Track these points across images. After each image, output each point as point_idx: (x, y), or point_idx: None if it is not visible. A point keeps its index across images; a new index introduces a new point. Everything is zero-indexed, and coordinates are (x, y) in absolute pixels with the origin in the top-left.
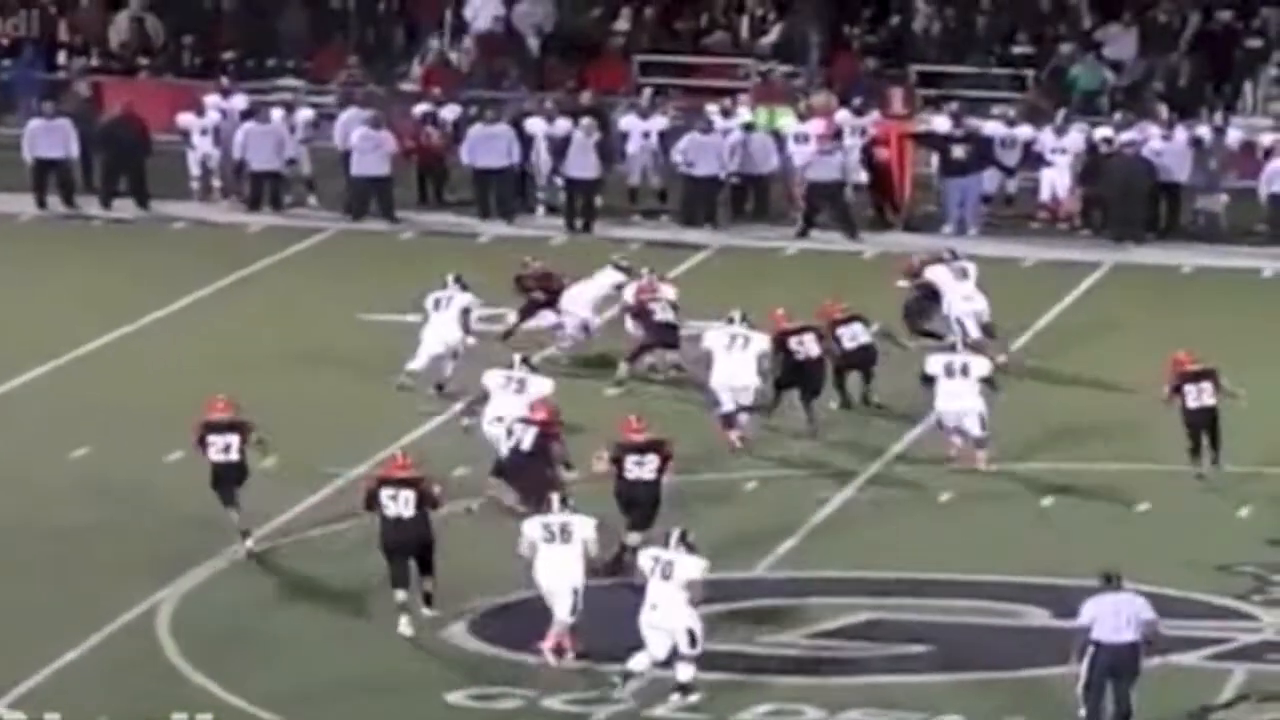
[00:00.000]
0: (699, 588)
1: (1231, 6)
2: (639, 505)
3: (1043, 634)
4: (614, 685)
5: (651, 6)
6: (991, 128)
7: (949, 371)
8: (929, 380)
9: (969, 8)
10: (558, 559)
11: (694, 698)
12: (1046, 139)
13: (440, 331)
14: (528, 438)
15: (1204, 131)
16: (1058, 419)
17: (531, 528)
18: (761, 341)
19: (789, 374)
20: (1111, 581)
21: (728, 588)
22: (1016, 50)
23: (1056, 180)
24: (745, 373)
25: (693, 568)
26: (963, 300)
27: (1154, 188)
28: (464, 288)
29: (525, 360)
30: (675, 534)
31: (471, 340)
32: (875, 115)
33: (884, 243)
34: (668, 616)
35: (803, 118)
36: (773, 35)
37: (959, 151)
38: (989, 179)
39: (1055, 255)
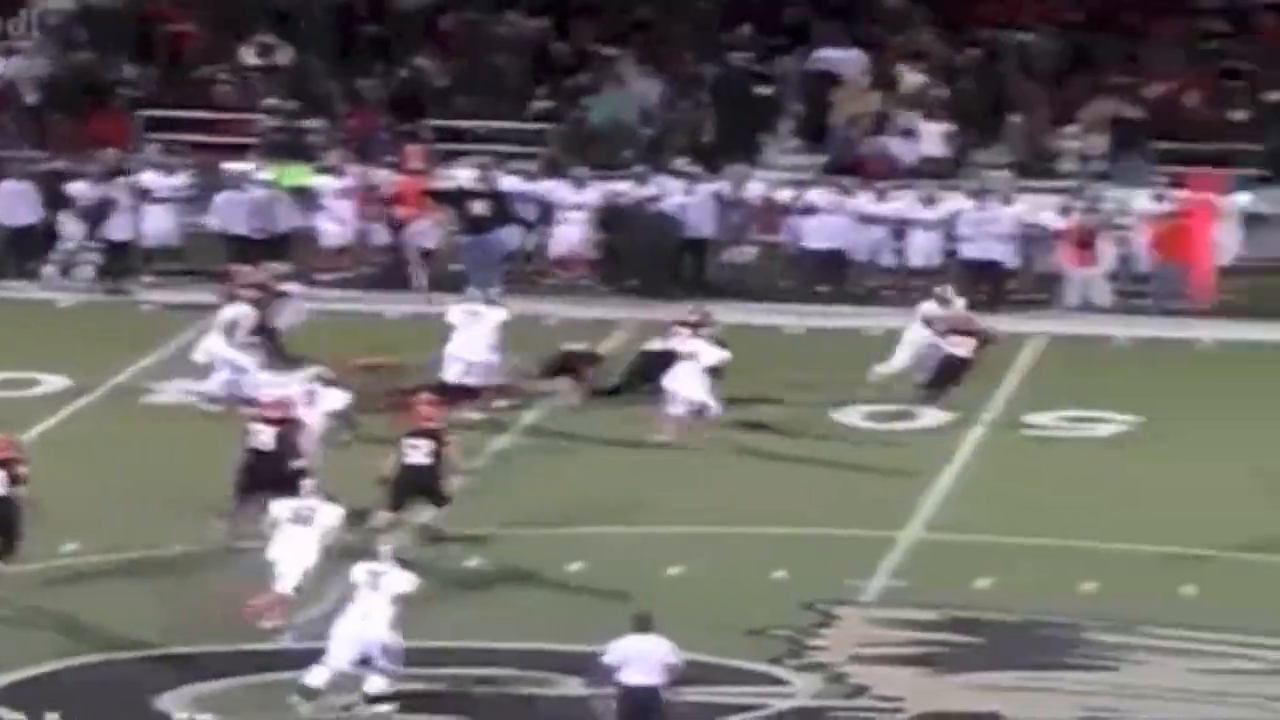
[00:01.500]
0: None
1: (748, 51)
2: (411, 488)
3: (576, 703)
4: (292, 705)
5: (158, 59)
6: (510, 182)
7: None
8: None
9: (483, 60)
10: (295, 538)
11: (386, 708)
12: (563, 193)
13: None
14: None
15: (725, 186)
16: (583, 482)
17: (279, 507)
18: (499, 314)
19: None
20: (642, 625)
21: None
22: (538, 104)
23: (572, 236)
24: (478, 347)
25: (403, 583)
26: (463, 345)
27: (678, 243)
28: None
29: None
30: (388, 549)
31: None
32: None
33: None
34: (369, 628)
35: (335, 173)
36: (284, 89)
37: (479, 207)
38: (511, 235)
39: (579, 313)
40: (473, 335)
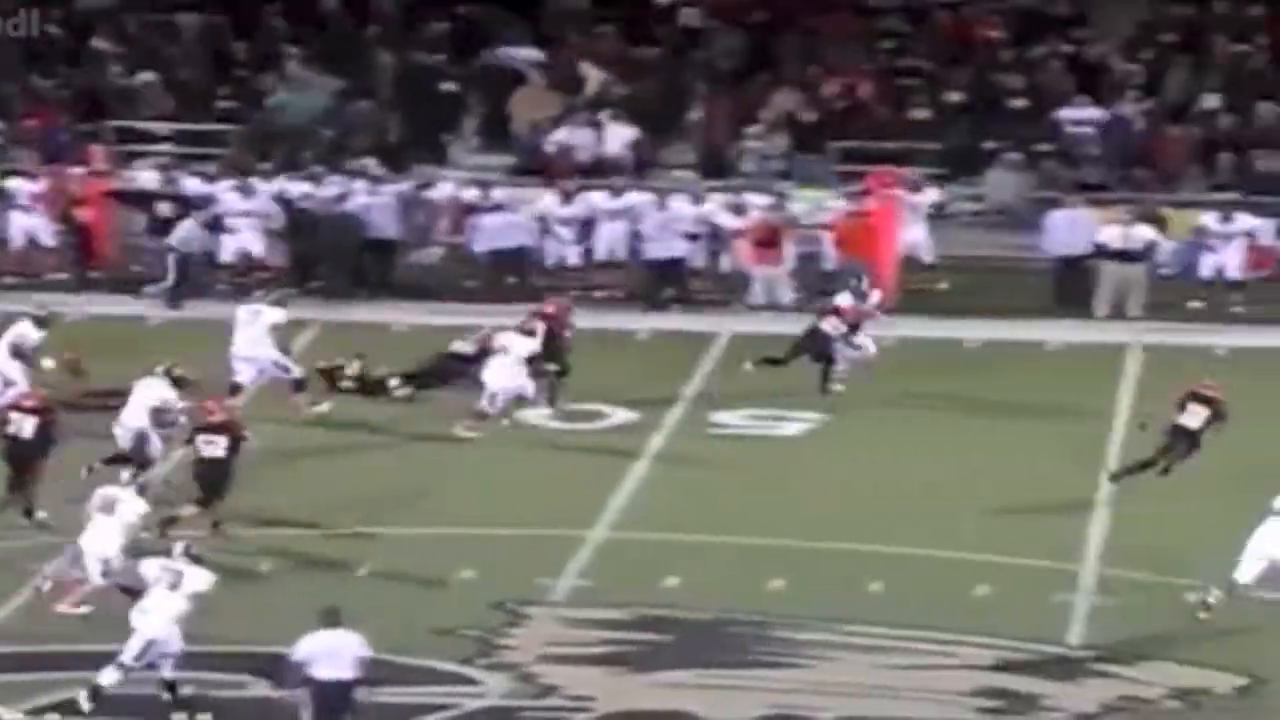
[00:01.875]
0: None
1: (433, 49)
2: (206, 481)
3: (263, 704)
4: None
5: None
6: (193, 185)
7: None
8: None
9: (161, 58)
10: (100, 526)
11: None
12: (231, 199)
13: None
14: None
15: (410, 186)
16: (294, 483)
17: (95, 497)
18: (276, 315)
19: None
20: (330, 619)
21: None
22: (221, 104)
23: (249, 240)
24: (257, 345)
25: (200, 581)
26: (246, 343)
27: (364, 244)
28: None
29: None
30: (180, 546)
31: None
32: (77, 171)
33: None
34: (149, 623)
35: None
36: None
37: (165, 209)
38: (192, 236)
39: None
40: (252, 334)
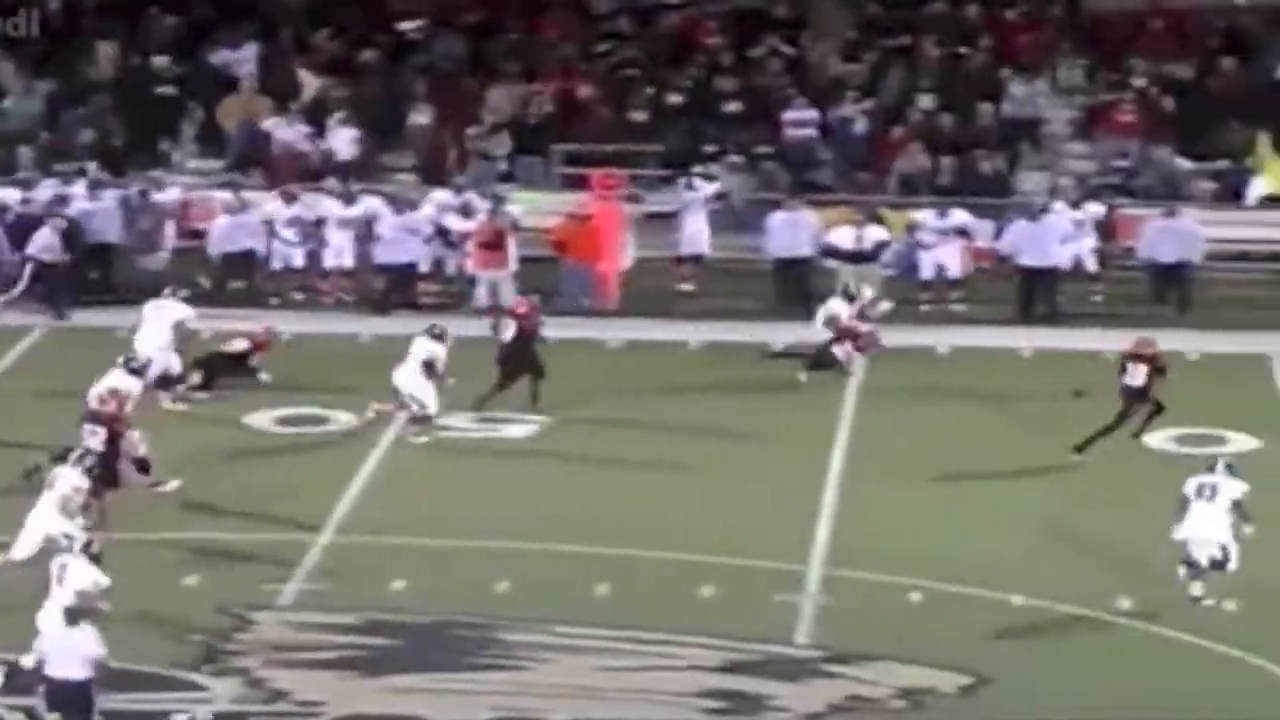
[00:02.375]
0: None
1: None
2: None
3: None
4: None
5: None
6: None
7: None
8: None
9: None
10: (41, 506)
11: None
12: None
13: None
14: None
15: (133, 191)
16: None
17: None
18: (179, 312)
19: None
20: (71, 617)
21: None
22: None
23: None
24: (158, 340)
25: (84, 578)
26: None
27: (84, 249)
28: None
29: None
30: (79, 542)
31: None
32: None
33: None
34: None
35: None
36: None
37: None
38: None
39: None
40: (155, 329)
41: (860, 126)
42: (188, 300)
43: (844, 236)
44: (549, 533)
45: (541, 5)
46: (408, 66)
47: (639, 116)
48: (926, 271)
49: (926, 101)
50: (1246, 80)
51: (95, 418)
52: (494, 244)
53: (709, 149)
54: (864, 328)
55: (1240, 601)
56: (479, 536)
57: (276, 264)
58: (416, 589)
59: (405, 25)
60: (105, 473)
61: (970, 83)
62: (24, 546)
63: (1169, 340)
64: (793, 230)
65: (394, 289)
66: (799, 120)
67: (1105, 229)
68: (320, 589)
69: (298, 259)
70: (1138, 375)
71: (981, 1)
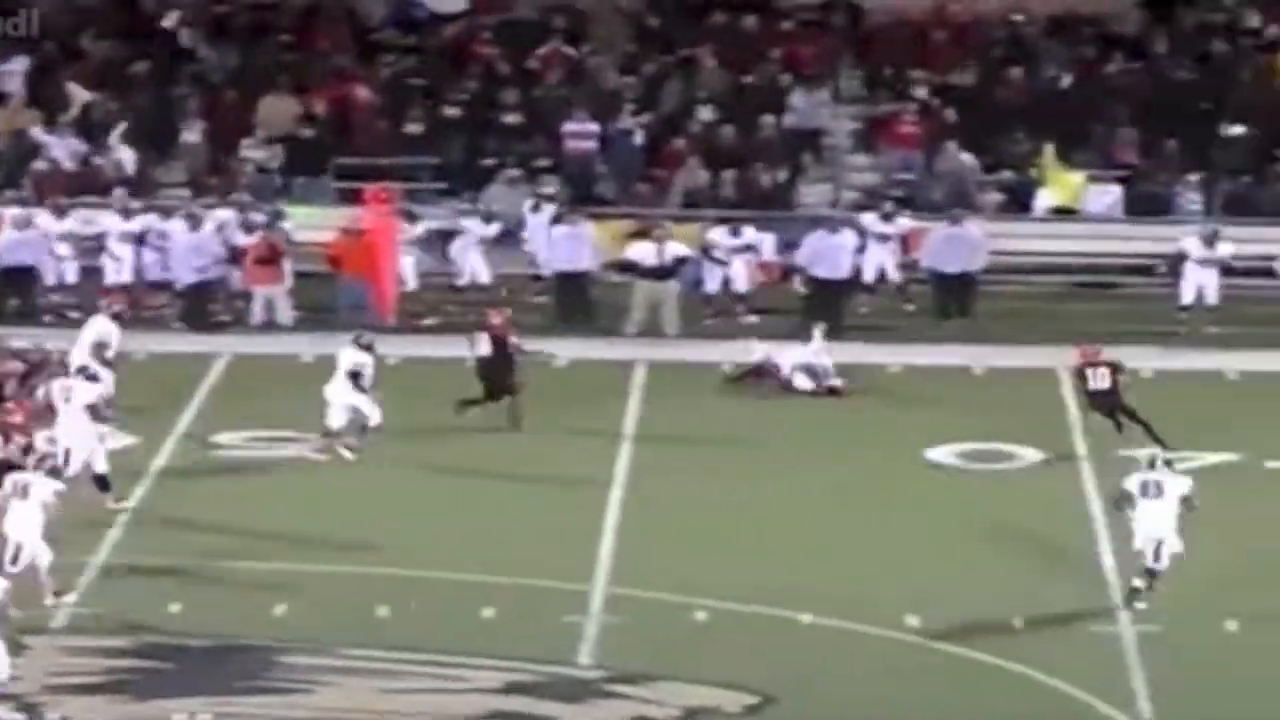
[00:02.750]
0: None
1: None
2: None
3: None
4: None
5: None
6: None
7: None
8: None
9: None
10: (17, 513)
11: None
12: None
13: None
14: None
15: None
16: None
17: (6, 484)
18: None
19: None
20: None
21: None
22: None
23: None
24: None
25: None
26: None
27: None
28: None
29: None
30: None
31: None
32: None
33: None
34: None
35: None
36: None
37: None
38: None
39: None
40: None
41: (639, 139)
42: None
43: (644, 252)
44: (329, 554)
45: (313, 15)
46: (178, 78)
47: (415, 129)
48: (712, 286)
49: (706, 113)
50: (1030, 90)
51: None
52: (269, 259)
53: (487, 162)
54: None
55: (1028, 619)
56: (256, 557)
57: (50, 279)
58: (193, 610)
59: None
60: None
61: (751, 94)
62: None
63: (954, 355)
64: (573, 244)
65: (192, 306)
66: (578, 132)
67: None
68: (94, 611)
69: (71, 275)
70: (1100, 379)
71: (760, 12)
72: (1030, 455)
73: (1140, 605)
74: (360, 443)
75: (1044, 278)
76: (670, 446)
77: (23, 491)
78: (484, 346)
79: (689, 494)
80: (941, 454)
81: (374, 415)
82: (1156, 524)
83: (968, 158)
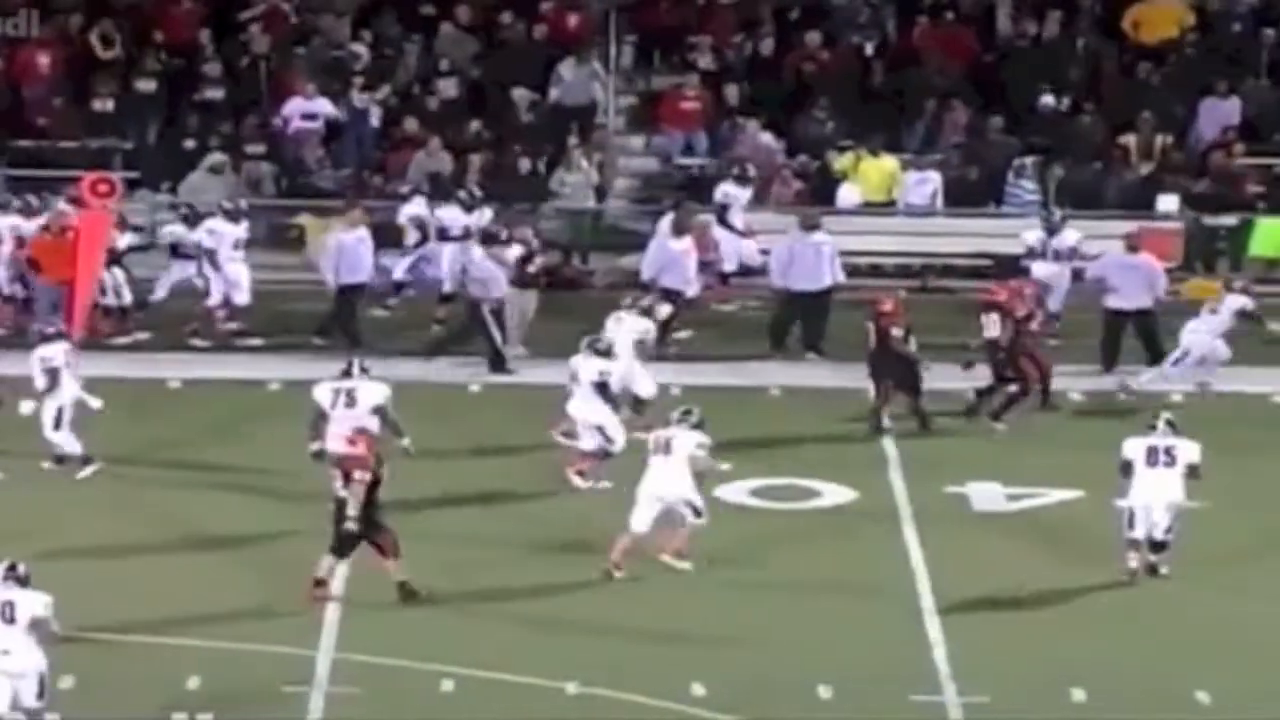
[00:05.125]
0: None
1: None
2: None
3: None
4: None
5: None
6: None
7: None
8: None
9: None
10: None
11: None
12: None
13: None
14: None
15: None
16: None
17: None
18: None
19: None
20: None
21: None
22: None
23: None
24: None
25: (36, 604)
26: None
27: None
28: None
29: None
30: (3, 566)
31: None
32: None
33: None
34: (16, 662)
35: None
36: None
37: None
38: None
39: None
40: None
41: (373, 119)
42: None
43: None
44: None
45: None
46: None
47: (102, 106)
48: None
49: (450, 88)
50: (835, 61)
51: None
52: None
53: (189, 144)
54: None
55: (838, 687)
56: None
57: None
58: None
59: None
60: None
61: (506, 65)
62: None
63: (760, 375)
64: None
65: None
66: (306, 113)
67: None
68: None
69: None
70: (991, 326)
71: None
72: (835, 492)
73: (1164, 571)
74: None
75: (853, 281)
76: (412, 481)
77: None
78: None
79: (429, 536)
80: (733, 492)
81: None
82: (1162, 493)
83: (769, 139)
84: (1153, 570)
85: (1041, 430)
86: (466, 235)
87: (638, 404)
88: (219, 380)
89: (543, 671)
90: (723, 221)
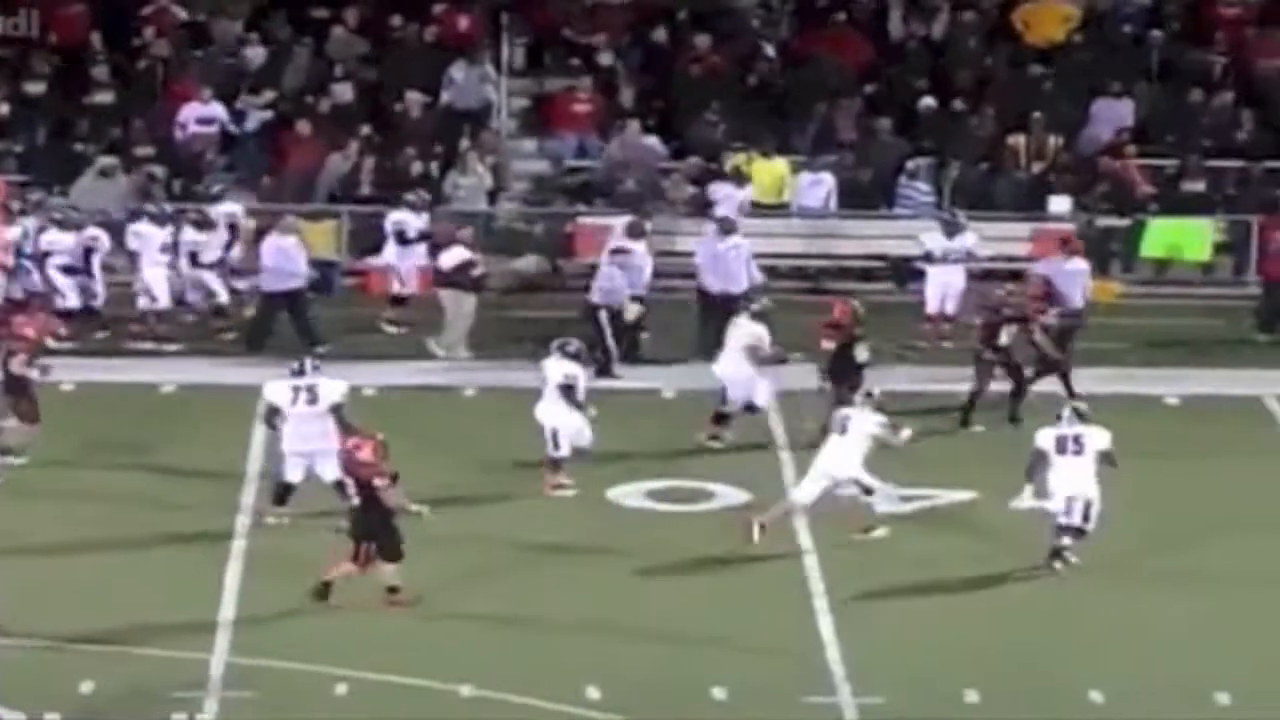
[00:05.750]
0: None
1: None
2: None
3: None
4: None
5: None
6: None
7: None
8: None
9: None
10: None
11: None
12: None
13: None
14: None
15: None
16: None
17: None
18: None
19: None
20: None
21: None
22: None
23: None
24: None
25: None
26: None
27: None
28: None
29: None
30: None
31: None
32: None
33: None
34: None
35: None
36: None
37: None
38: None
39: None
40: None
41: (258, 123)
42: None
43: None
44: None
45: None
46: None
47: None
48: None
49: (344, 91)
50: (724, 66)
51: None
52: None
53: (79, 148)
54: None
55: (732, 689)
56: None
57: None
58: None
59: None
60: None
61: (398, 68)
62: None
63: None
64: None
65: None
66: (193, 116)
67: (565, 242)
68: None
69: None
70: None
71: None
72: (730, 494)
73: (1073, 560)
74: None
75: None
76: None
77: None
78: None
79: (325, 543)
80: (625, 494)
81: None
82: (1079, 482)
83: (653, 141)
84: (1057, 554)
85: (939, 432)
86: (422, 239)
87: (750, 410)
88: (114, 384)
89: (437, 674)
90: None
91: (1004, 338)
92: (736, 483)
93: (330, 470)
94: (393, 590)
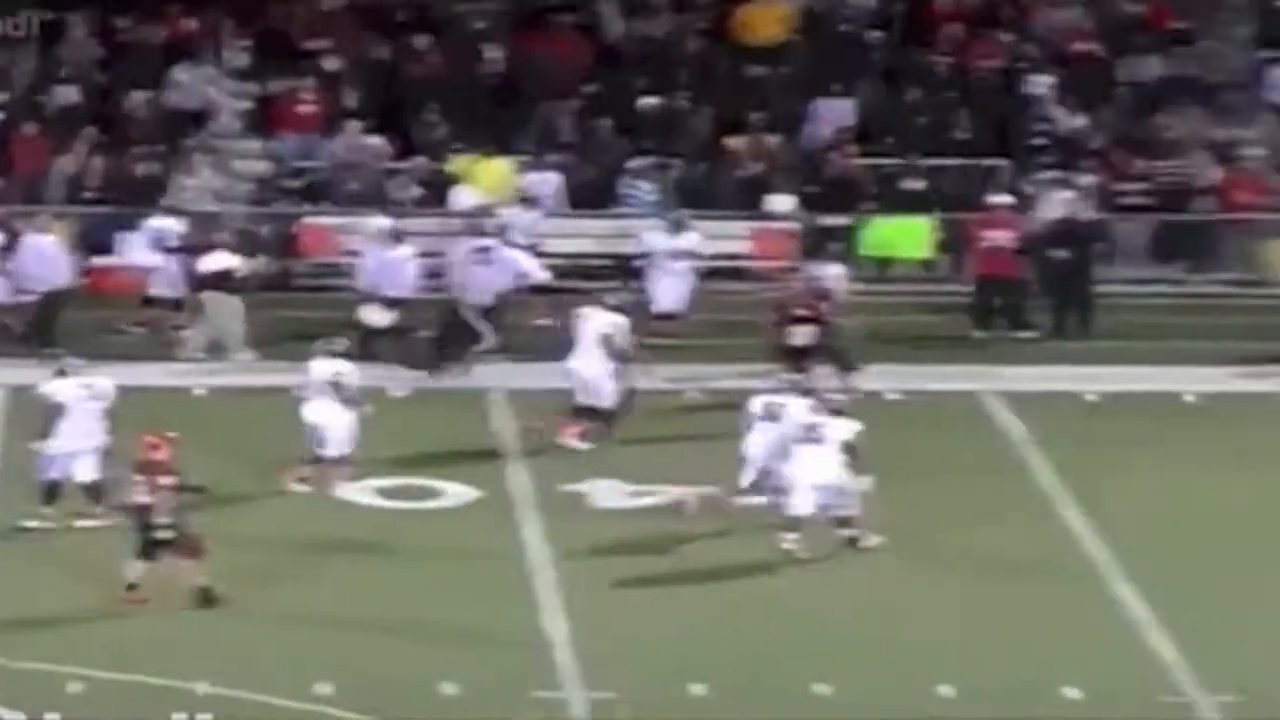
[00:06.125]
0: None
1: None
2: None
3: None
4: None
5: None
6: None
7: None
8: None
9: None
10: None
11: None
12: None
13: None
14: None
15: None
16: None
17: None
18: None
19: None
20: None
21: None
22: None
23: None
24: None
25: None
26: None
27: None
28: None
29: None
30: None
31: None
32: None
33: None
34: None
35: None
36: None
37: None
38: None
39: None
40: None
41: None
42: None
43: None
44: None
45: None
46: None
47: None
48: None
49: (70, 92)
50: (445, 67)
51: None
52: None
53: None
54: None
55: (464, 684)
56: None
57: None
58: None
59: None
60: None
61: (126, 69)
62: None
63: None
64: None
65: None
66: None
67: (288, 243)
68: None
69: None
70: (800, 336)
71: None
72: (460, 491)
73: (866, 543)
74: None
75: None
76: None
77: None
78: None
79: (58, 540)
80: (359, 491)
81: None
82: (818, 471)
83: (376, 142)
84: (852, 543)
85: (664, 429)
86: (184, 246)
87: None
88: None
89: (174, 672)
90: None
91: (799, 338)
92: (465, 480)
93: (87, 470)
94: (131, 588)
